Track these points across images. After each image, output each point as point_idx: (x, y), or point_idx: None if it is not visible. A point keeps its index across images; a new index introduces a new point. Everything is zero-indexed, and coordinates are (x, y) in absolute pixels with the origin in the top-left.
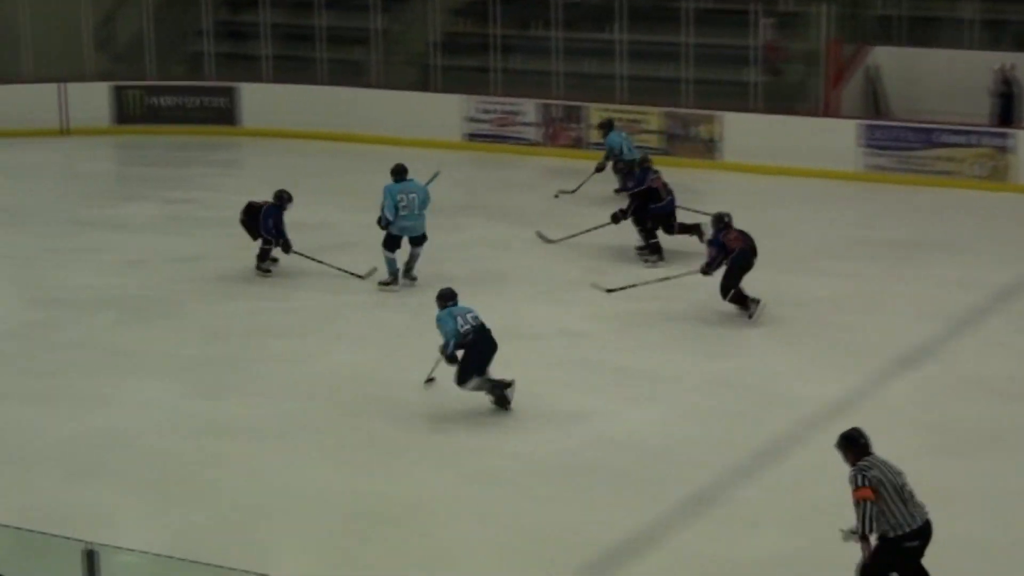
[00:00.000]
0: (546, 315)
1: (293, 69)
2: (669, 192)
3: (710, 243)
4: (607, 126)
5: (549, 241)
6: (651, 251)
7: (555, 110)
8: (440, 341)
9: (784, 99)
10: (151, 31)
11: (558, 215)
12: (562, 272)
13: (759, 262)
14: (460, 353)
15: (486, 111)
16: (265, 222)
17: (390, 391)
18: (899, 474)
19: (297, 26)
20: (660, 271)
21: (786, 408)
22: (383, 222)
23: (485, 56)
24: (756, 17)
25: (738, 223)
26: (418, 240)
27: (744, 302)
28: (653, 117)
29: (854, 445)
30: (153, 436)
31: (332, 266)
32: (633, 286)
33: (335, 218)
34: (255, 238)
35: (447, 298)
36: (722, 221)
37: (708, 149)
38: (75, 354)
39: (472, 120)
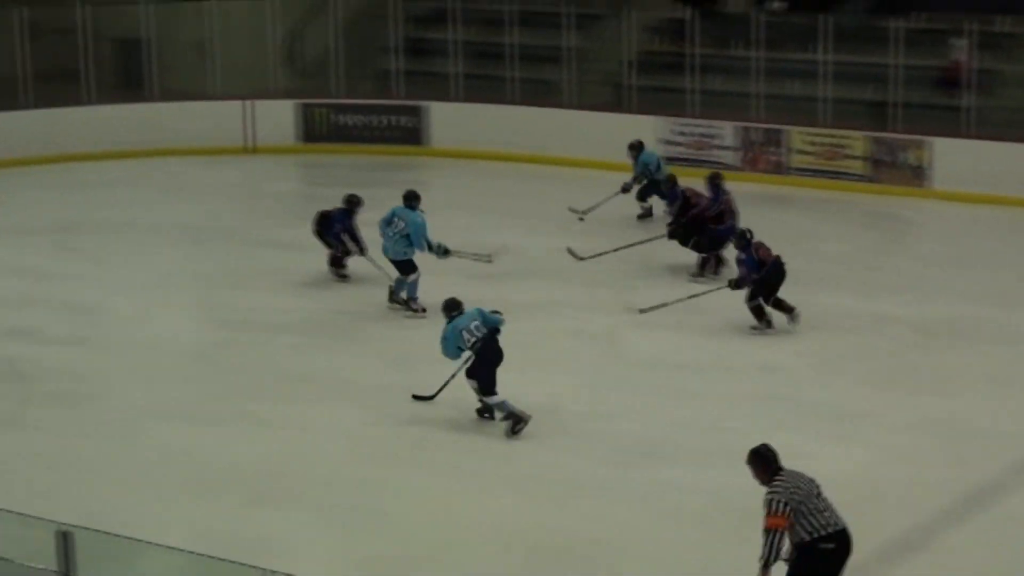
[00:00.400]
0: (741, 347)
1: (483, 88)
2: (733, 215)
3: (741, 261)
4: (638, 147)
5: (580, 258)
6: (704, 267)
7: (754, 133)
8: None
9: (998, 124)
10: (338, 47)
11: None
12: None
13: (973, 293)
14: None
15: (682, 133)
16: (332, 228)
17: (582, 423)
18: (813, 483)
19: (487, 43)
20: (699, 287)
21: (995, 450)
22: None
23: (681, 76)
24: (967, 36)
25: (949, 253)
26: (397, 266)
27: (762, 316)
28: (857, 142)
29: (763, 461)
30: (333, 463)
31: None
32: (664, 305)
33: (523, 243)
34: (330, 248)
35: (451, 309)
36: (745, 237)
37: (916, 176)
38: (254, 377)
39: (667, 143)
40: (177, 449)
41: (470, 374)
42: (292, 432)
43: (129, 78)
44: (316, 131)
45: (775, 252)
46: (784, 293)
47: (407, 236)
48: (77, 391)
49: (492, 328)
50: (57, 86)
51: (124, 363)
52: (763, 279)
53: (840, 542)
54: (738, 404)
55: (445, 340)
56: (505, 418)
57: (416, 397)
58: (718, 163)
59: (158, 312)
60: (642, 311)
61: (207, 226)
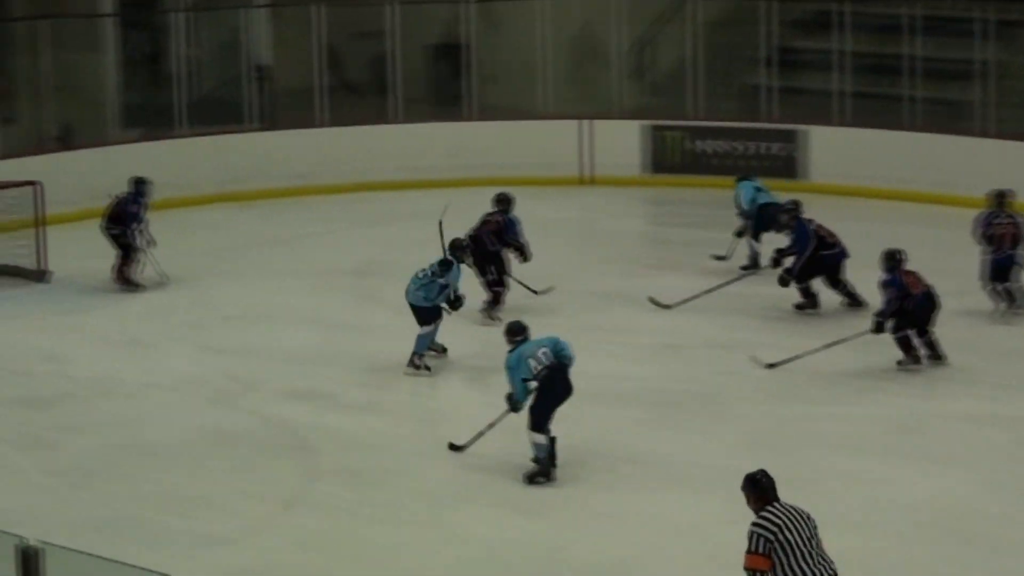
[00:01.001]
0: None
1: (874, 109)
2: (834, 239)
3: (886, 284)
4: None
5: (664, 306)
6: (811, 304)
7: None
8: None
9: None
10: (697, 58)
11: None
12: None
13: None
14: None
15: None
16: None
17: (1001, 528)
18: (807, 523)
19: (881, 55)
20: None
21: None
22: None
23: None
24: None
25: None
26: (416, 313)
27: (910, 350)
28: None
29: (756, 488)
30: (683, 565)
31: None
32: (797, 357)
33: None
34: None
35: (516, 333)
36: (895, 258)
37: None
38: (582, 457)
39: None
40: (489, 540)
41: (519, 407)
42: (633, 526)
43: (442, 92)
44: (667, 159)
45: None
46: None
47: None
48: (368, 467)
49: (563, 359)
50: (357, 100)
51: (422, 434)
52: (906, 311)
53: None
54: None
55: (510, 370)
56: (535, 460)
57: (453, 447)
58: None
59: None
60: (770, 365)
61: (533, 270)
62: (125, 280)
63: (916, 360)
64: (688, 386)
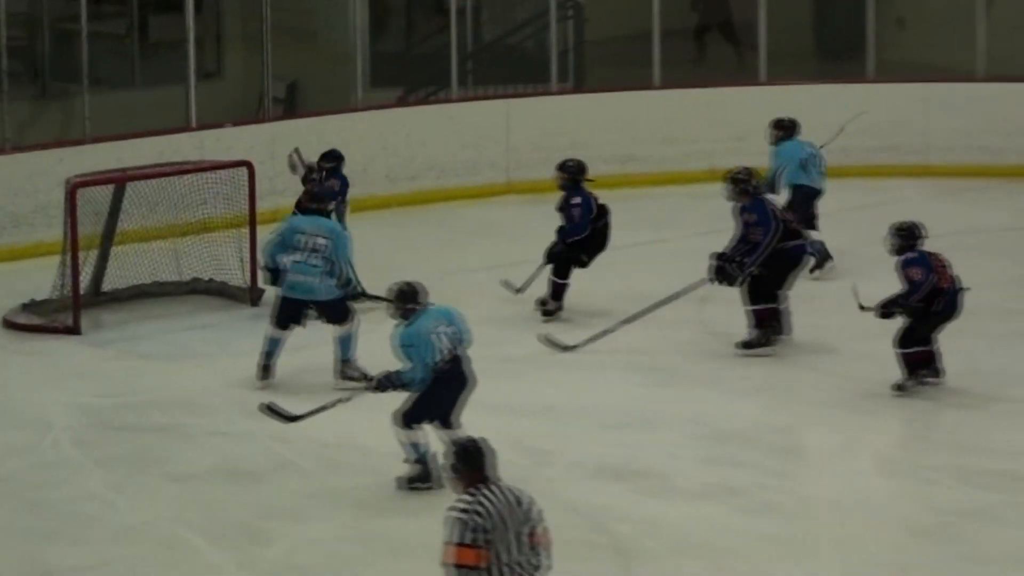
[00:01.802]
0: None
1: None
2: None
3: (909, 263)
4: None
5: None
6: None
7: None
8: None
9: None
10: None
11: None
12: None
13: None
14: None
15: None
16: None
17: None
18: (522, 507)
19: None
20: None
21: None
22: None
23: None
24: None
25: None
26: (325, 310)
27: (916, 368)
28: None
29: (468, 461)
30: None
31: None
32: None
33: None
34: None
35: (409, 298)
36: (915, 234)
37: None
38: None
39: None
40: None
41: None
42: None
43: (828, 42)
44: None
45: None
46: None
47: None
48: None
49: (463, 340)
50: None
51: (787, 531)
52: (933, 311)
53: None
54: None
55: (408, 349)
56: (417, 460)
57: (270, 410)
58: None
59: None
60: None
61: None
62: None
63: (933, 375)
64: None
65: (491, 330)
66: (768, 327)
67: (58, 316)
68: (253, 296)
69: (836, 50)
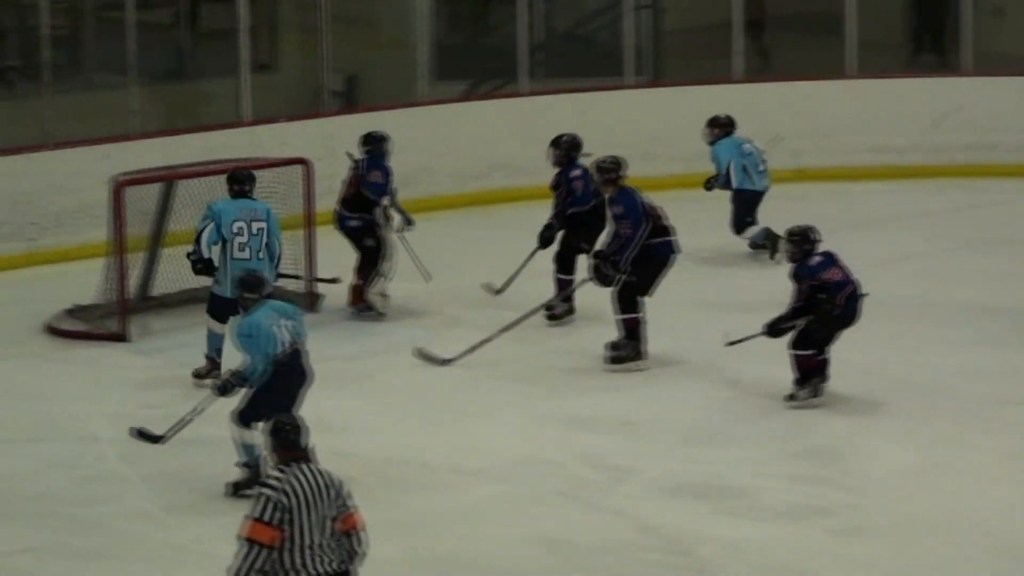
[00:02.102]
0: None
1: None
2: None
3: (801, 275)
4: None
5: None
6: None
7: None
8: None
9: None
10: None
11: None
12: None
13: None
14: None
15: None
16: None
17: None
18: (331, 491)
19: None
20: None
21: None
22: (195, 258)
23: None
24: None
25: None
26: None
27: (810, 378)
28: None
29: (280, 437)
30: None
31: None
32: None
33: None
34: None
35: (253, 287)
36: (811, 239)
37: None
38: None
39: None
40: None
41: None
42: None
43: (920, 33)
44: None
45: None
46: None
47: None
48: None
49: (301, 335)
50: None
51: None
52: (836, 316)
53: None
54: None
55: (247, 339)
56: (245, 465)
57: (140, 434)
58: None
59: None
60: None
61: None
62: (362, 300)
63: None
64: None
65: (563, 340)
66: (638, 338)
67: (104, 322)
68: (311, 301)
69: (930, 41)
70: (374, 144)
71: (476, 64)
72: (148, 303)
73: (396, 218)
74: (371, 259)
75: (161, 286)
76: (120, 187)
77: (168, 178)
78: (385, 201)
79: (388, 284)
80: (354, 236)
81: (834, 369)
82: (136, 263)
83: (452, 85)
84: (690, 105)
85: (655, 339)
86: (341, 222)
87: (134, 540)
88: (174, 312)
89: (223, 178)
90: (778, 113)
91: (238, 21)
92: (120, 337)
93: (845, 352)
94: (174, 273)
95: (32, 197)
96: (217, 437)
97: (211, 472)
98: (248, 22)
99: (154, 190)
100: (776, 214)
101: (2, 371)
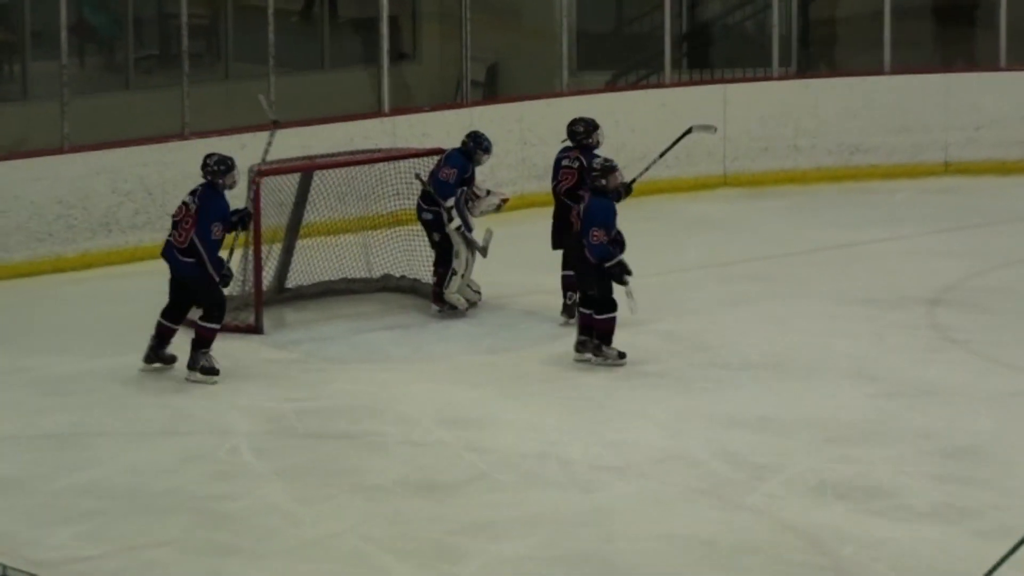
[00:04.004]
0: None
1: None
2: None
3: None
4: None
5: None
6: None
7: None
8: None
9: None
10: None
11: None
12: None
13: None
14: None
15: None
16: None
17: None
18: None
19: None
20: None
21: None
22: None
23: None
24: None
25: None
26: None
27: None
28: None
29: None
30: None
31: None
32: None
33: None
34: None
35: None
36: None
37: None
38: None
39: None
40: None
41: None
42: None
43: None
44: None
45: None
46: None
47: None
48: None
49: None
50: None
51: None
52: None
53: None
54: None
55: None
56: None
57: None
58: None
59: None
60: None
61: None
62: (442, 301)
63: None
64: None
65: (707, 336)
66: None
67: (239, 314)
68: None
69: None
70: (468, 142)
71: (619, 54)
72: (283, 295)
73: (456, 220)
74: (443, 256)
75: (297, 278)
76: (258, 177)
77: (306, 168)
78: (450, 203)
79: (469, 277)
80: (427, 229)
81: (981, 369)
82: (272, 255)
83: (595, 75)
84: (837, 97)
85: (795, 337)
86: (418, 213)
87: (268, 534)
88: (309, 304)
89: (363, 168)
90: (928, 105)
91: (379, 10)
92: (255, 329)
93: (994, 351)
94: (310, 265)
95: (169, 187)
96: (348, 431)
97: (343, 467)
98: (389, 11)
99: (292, 180)
100: (926, 208)
101: (136, 363)
